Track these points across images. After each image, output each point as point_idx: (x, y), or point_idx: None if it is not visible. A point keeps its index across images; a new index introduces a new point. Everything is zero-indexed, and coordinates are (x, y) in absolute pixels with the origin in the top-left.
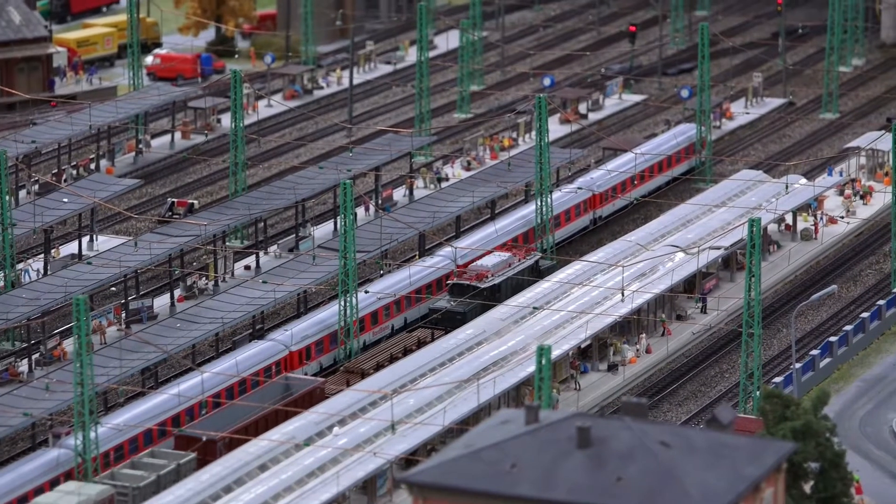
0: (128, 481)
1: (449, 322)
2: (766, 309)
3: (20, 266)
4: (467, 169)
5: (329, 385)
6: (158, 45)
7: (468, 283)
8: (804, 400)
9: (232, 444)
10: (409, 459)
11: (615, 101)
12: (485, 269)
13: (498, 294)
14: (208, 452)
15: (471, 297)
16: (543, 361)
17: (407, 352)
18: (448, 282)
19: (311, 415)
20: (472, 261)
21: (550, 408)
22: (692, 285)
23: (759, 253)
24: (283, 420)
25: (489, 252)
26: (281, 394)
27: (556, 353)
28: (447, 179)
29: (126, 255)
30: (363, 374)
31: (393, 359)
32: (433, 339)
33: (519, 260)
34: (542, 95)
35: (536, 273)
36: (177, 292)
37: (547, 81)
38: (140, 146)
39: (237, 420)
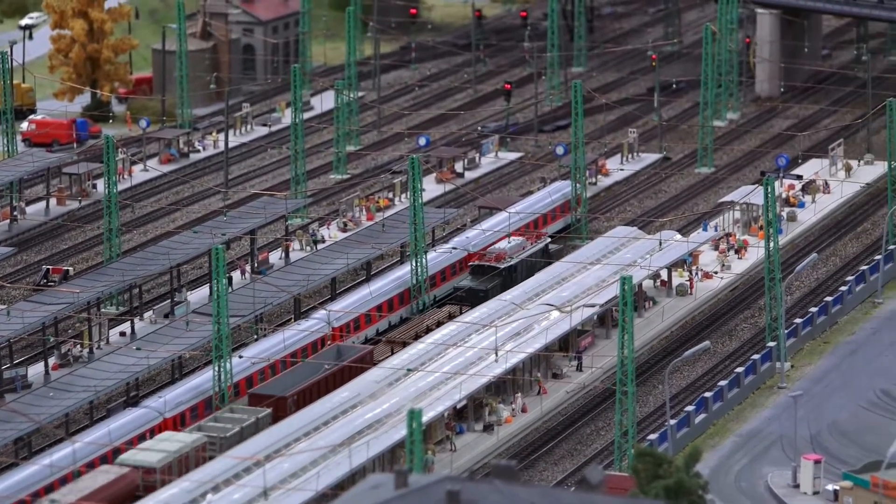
0: (215, 432)
1: (472, 299)
2: (641, 365)
3: None
4: (344, 230)
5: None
6: (33, 110)
7: (489, 264)
8: (677, 457)
9: (300, 403)
10: None
11: (491, 160)
12: (503, 251)
13: (515, 274)
14: (279, 409)
15: (491, 277)
16: (414, 425)
17: (439, 324)
18: (470, 263)
19: (185, 483)
20: (490, 245)
21: (424, 471)
22: (568, 343)
23: (632, 310)
24: (338, 385)
25: (504, 237)
26: (334, 359)
27: (430, 415)
28: (323, 241)
29: None
30: (404, 344)
31: (428, 330)
32: (461, 314)
33: (531, 244)
34: (415, 156)
35: (546, 256)
36: (51, 360)
37: (422, 141)
38: (15, 213)
39: (300, 382)
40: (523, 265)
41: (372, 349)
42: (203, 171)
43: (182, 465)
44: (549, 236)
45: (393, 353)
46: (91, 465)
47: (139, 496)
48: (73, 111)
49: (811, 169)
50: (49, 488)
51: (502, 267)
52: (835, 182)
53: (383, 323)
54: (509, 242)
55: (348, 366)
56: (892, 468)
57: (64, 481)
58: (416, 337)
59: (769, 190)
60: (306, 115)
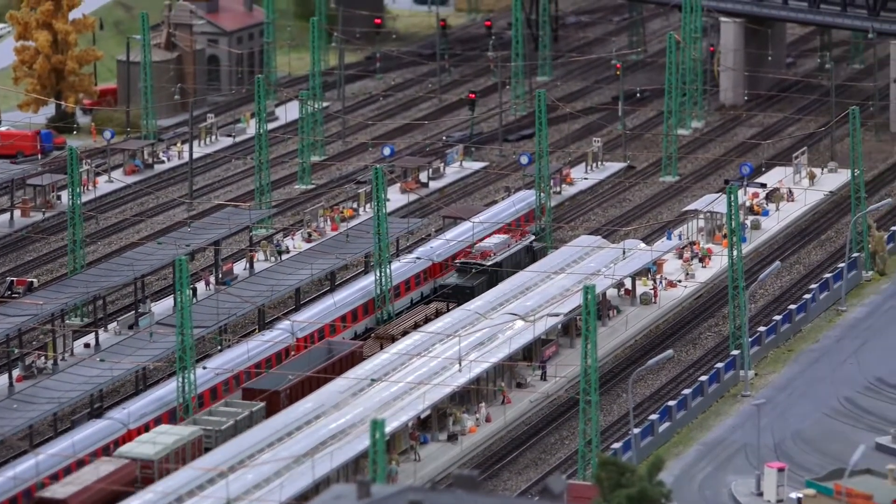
0: (211, 425)
1: (459, 296)
2: (605, 374)
3: None
4: (308, 241)
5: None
6: None
7: (474, 261)
8: (640, 466)
9: (293, 396)
10: None
11: (456, 169)
12: (488, 248)
13: (500, 271)
14: (272, 403)
15: (477, 274)
16: (377, 435)
17: (427, 320)
18: (456, 261)
19: (148, 494)
20: (476, 242)
21: (388, 481)
22: (532, 353)
23: (595, 319)
24: (329, 380)
25: (489, 235)
26: (325, 356)
27: (394, 425)
28: (288, 252)
29: None
30: (393, 339)
31: (416, 326)
32: (448, 311)
33: (516, 241)
34: (378, 166)
35: (531, 253)
36: (15, 372)
37: (387, 151)
38: None
39: (290, 378)
40: (509, 262)
41: (362, 345)
42: (168, 182)
43: (179, 457)
44: (534, 234)
45: (382, 349)
46: (55, 478)
47: (138, 487)
48: (37, 122)
49: (775, 177)
50: (13, 501)
51: (488, 264)
52: (798, 190)
53: (347, 334)
54: (474, 250)
55: (339, 361)
56: (856, 476)
57: (28, 493)
58: (405, 333)
59: (732, 198)
60: (271, 126)
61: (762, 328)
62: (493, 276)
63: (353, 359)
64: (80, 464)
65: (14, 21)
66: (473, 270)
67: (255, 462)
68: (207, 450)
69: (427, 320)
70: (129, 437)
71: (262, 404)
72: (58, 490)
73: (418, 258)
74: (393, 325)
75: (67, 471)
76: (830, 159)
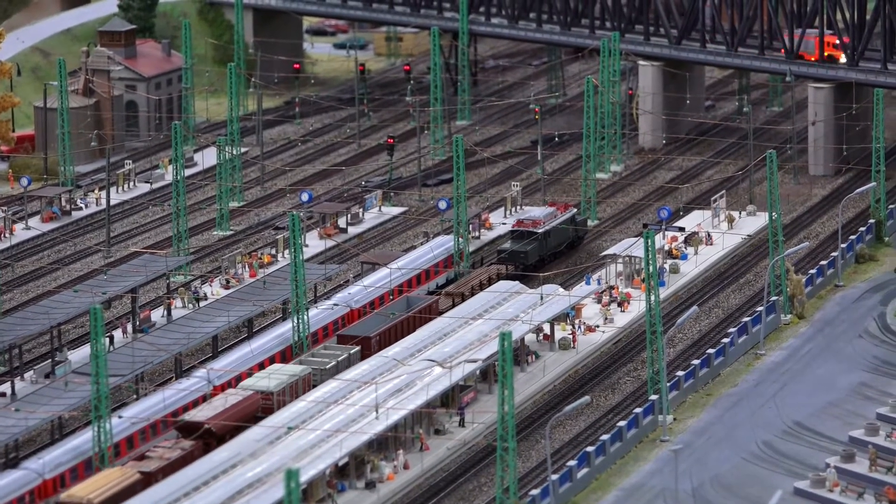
0: (316, 365)
1: (514, 259)
2: (524, 420)
3: None
4: (226, 287)
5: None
6: None
7: (527, 229)
8: None
9: (382, 343)
10: None
11: (375, 214)
12: (538, 218)
13: (548, 238)
14: (365, 346)
15: (529, 241)
16: (292, 485)
17: (490, 282)
18: (512, 229)
19: None
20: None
21: None
22: (450, 399)
23: (512, 366)
24: (410, 331)
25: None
26: (405, 307)
27: (311, 473)
28: (206, 298)
29: None
30: (463, 297)
31: (482, 286)
32: (507, 273)
33: (560, 213)
34: (294, 212)
35: (573, 224)
36: None
37: (305, 197)
38: None
39: (379, 326)
40: (556, 230)
41: (437, 299)
42: (85, 229)
43: (293, 391)
44: (576, 210)
45: (454, 305)
46: None
47: (259, 417)
48: None
49: (694, 220)
50: None
51: (539, 231)
52: (717, 233)
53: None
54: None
55: (416, 315)
56: None
57: None
58: (472, 292)
59: (649, 243)
60: (189, 172)
61: (681, 372)
62: (543, 242)
63: (430, 311)
64: None
65: None
66: (540, 231)
67: None
68: (314, 385)
69: (490, 281)
70: (44, 487)
71: (358, 348)
72: (197, 414)
73: (336, 304)
74: (461, 285)
75: None
76: (749, 202)
